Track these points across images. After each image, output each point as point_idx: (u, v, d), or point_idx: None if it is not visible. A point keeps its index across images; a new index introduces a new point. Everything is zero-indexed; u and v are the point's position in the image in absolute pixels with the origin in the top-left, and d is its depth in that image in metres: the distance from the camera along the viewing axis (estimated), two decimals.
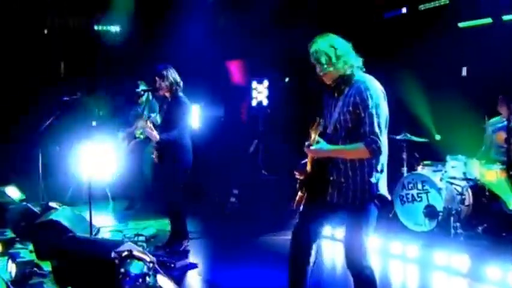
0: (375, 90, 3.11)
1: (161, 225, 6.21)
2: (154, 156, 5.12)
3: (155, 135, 4.86)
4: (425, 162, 6.06)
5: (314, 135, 3.15)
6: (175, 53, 7.63)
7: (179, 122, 4.97)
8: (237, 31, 7.99)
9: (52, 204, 5.42)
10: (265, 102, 8.18)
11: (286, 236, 5.64)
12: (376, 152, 3.07)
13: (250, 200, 7.15)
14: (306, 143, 3.17)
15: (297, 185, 3.32)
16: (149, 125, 4.83)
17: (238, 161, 7.85)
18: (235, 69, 8.97)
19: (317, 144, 3.15)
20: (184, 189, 5.10)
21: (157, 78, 5.06)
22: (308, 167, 3.26)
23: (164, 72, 5.02)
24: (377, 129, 3.06)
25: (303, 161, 3.31)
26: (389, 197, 3.21)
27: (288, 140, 7.29)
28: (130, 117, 7.27)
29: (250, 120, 8.51)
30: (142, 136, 7.02)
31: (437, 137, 6.62)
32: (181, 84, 5.04)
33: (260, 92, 8.23)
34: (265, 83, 8.18)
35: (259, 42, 7.90)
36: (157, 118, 6.40)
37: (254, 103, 8.28)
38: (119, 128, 7.40)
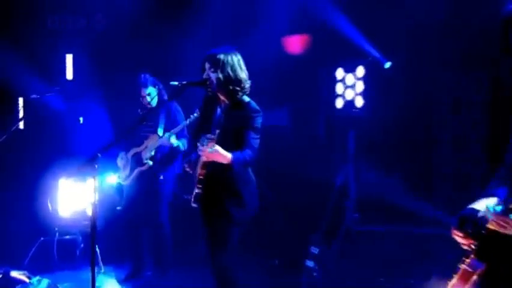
0: None
1: None
2: (192, 197, 5.01)
3: (222, 152, 4.72)
4: None
5: None
6: (205, 30, 7.93)
7: (251, 139, 4.89)
8: None
9: (15, 274, 5.39)
10: (359, 102, 7.77)
11: None
12: None
13: (339, 265, 7.15)
14: None
15: (469, 252, 3.18)
16: (211, 144, 4.70)
17: (315, 200, 7.70)
18: (300, 50, 8.87)
19: None
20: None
21: (207, 64, 4.95)
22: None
23: (222, 57, 4.93)
24: None
25: (469, 207, 3.22)
26: None
27: (398, 165, 7.55)
28: (142, 130, 7.25)
29: (333, 133, 8.37)
30: (151, 161, 7.12)
31: None
32: (247, 85, 5.01)
33: (350, 87, 7.84)
34: (360, 71, 7.76)
35: (346, 6, 7.86)
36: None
37: (339, 104, 7.95)
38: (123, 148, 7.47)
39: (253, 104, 4.99)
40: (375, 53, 7.92)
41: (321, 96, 8.46)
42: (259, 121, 4.95)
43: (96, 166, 4.28)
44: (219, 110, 5.12)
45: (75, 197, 7.70)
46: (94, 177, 4.43)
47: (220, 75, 4.90)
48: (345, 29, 8.03)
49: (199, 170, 4.97)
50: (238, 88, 4.95)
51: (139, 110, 7.21)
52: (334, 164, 8.01)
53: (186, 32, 8.21)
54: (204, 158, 4.85)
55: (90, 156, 4.38)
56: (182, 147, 6.98)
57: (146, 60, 7.86)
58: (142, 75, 7.19)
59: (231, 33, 8.07)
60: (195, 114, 6.30)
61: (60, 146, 8.26)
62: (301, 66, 8.57)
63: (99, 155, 4.33)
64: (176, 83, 5.19)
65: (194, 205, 5.02)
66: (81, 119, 8.45)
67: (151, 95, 7.10)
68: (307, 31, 8.72)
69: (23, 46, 8.34)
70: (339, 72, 7.97)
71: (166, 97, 7.15)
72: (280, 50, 8.79)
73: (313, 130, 8.65)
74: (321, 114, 8.62)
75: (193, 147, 5.20)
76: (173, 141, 6.87)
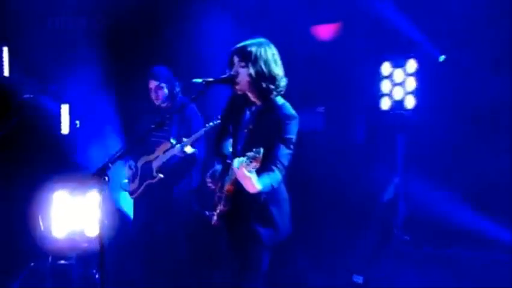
0: None
1: None
2: (215, 215, 5.04)
3: (255, 182, 4.61)
4: None
5: None
6: (217, 23, 8.07)
7: (281, 156, 4.86)
8: None
9: None
10: (409, 103, 7.65)
11: None
12: None
13: None
14: None
15: None
16: (254, 164, 4.53)
17: (357, 219, 7.68)
18: (334, 40, 8.71)
19: None
20: None
21: (235, 58, 4.93)
22: None
23: (254, 50, 4.90)
24: None
25: None
26: None
27: (456, 177, 7.33)
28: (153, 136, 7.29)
29: (377, 140, 8.22)
30: (162, 174, 7.10)
31: None
32: (282, 83, 5.00)
33: (399, 84, 7.73)
34: (411, 65, 7.63)
35: None
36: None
37: (385, 105, 7.86)
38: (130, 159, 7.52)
39: (288, 107, 4.96)
40: (428, 43, 7.75)
41: (362, 96, 8.32)
42: (294, 130, 4.91)
43: (106, 178, 4.35)
44: (247, 112, 5.10)
45: (72, 214, 7.50)
46: (102, 192, 4.46)
47: (252, 71, 4.85)
48: (391, 16, 7.90)
49: (227, 186, 4.92)
50: (272, 86, 4.91)
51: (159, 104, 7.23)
52: (379, 176, 7.91)
53: (198, 25, 8.26)
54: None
55: (100, 167, 4.41)
56: (198, 156, 6.98)
57: (151, 59, 7.86)
58: (155, 67, 7.27)
59: (252, 23, 8.11)
60: (214, 122, 6.42)
61: (54, 153, 8.17)
62: (338, 60, 8.38)
63: (110, 165, 4.38)
64: (199, 80, 5.13)
65: (216, 224, 5.04)
66: (78, 122, 8.33)
67: (159, 89, 7.15)
68: (343, 18, 8.56)
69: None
70: (386, 67, 7.83)
71: (179, 95, 7.24)
72: (311, 41, 8.68)
73: (353, 136, 8.52)
74: (362, 117, 8.51)
75: (213, 157, 5.25)
76: (188, 149, 6.83)
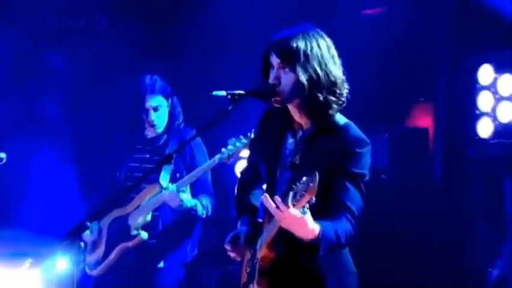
0: None
1: None
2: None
3: (310, 223, 4.43)
4: None
5: None
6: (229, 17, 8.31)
7: (351, 197, 4.68)
8: None
9: None
10: None
11: None
12: None
13: None
14: None
15: None
16: (308, 198, 4.17)
17: None
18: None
19: None
20: None
21: (274, 58, 4.75)
22: None
23: (302, 45, 4.67)
24: None
25: None
26: None
27: None
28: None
29: (472, 184, 7.94)
30: (145, 233, 6.89)
31: None
32: (344, 92, 4.76)
33: (506, 98, 7.47)
34: None
35: None
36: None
37: (485, 131, 7.62)
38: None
39: (356, 129, 4.66)
40: None
41: (446, 116, 8.24)
42: (367, 162, 4.61)
43: (82, 244, 4.12)
44: (290, 139, 4.76)
45: None
46: (75, 265, 4.24)
47: (303, 77, 4.50)
48: None
49: (261, 251, 4.64)
50: (332, 97, 4.56)
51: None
52: (474, 240, 7.78)
53: (211, 20, 8.42)
54: (278, 224, 4.37)
55: (74, 227, 4.19)
56: (203, 212, 6.63)
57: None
58: (148, 77, 7.04)
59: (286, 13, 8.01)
60: (241, 142, 6.17)
61: None
62: (406, 61, 8.23)
63: (88, 223, 4.20)
64: (223, 92, 4.62)
65: None
66: (3, 155, 7.89)
67: (160, 110, 6.87)
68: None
69: None
70: (485, 73, 7.54)
71: (181, 119, 7.07)
72: (365, 34, 8.52)
73: (431, 177, 8.27)
74: (445, 149, 8.24)
75: (236, 214, 5.02)
76: (185, 198, 6.53)
